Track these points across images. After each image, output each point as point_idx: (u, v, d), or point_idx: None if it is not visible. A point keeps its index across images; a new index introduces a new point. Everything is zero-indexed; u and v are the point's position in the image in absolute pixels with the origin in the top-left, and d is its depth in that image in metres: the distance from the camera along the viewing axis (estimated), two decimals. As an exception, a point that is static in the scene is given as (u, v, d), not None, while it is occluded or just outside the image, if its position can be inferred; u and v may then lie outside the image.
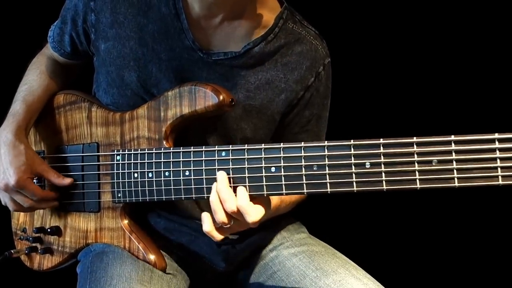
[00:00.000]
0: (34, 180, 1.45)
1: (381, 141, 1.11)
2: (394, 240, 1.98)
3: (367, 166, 1.11)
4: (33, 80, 1.51)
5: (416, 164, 1.08)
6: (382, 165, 1.10)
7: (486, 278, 1.92)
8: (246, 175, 1.21)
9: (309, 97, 1.42)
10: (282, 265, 1.43)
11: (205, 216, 1.20)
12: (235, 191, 1.20)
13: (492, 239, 1.92)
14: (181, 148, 1.29)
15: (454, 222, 1.92)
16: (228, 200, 1.17)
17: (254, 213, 1.17)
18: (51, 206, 1.46)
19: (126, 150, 1.37)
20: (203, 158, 1.26)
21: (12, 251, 1.53)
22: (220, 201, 1.18)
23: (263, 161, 1.20)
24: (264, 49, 1.37)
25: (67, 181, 1.42)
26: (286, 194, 1.19)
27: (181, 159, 1.28)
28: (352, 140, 1.13)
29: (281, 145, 1.19)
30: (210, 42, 1.36)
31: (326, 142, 1.15)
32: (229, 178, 1.22)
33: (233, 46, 1.36)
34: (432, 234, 1.95)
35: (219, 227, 1.20)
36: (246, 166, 1.21)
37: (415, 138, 1.08)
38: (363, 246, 1.74)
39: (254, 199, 1.20)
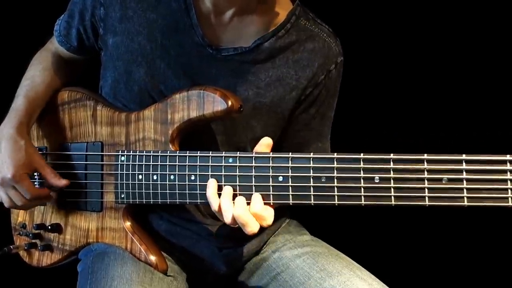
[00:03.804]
0: (36, 177, 1.44)
1: (392, 156, 1.11)
2: (396, 242, 1.98)
3: (376, 181, 1.12)
4: (36, 76, 1.49)
5: (426, 181, 1.08)
6: (392, 181, 1.10)
7: (488, 280, 1.93)
8: (253, 183, 1.21)
9: (317, 94, 1.40)
10: (286, 266, 1.43)
11: (211, 182, 1.22)
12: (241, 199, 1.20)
13: (495, 244, 1.93)
14: (187, 152, 1.28)
15: (458, 225, 1.93)
16: (227, 211, 1.19)
17: (253, 225, 1.18)
18: (45, 202, 1.46)
19: (131, 151, 1.35)
20: (210, 164, 1.25)
21: (11, 246, 1.51)
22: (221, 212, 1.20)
23: (270, 170, 1.20)
24: (275, 44, 1.35)
25: (62, 182, 1.41)
26: (293, 204, 1.19)
27: (187, 164, 1.27)
28: (362, 154, 1.13)
29: (290, 154, 1.19)
30: (220, 38, 1.35)
31: (335, 154, 1.15)
32: (235, 185, 1.22)
33: (243, 42, 1.35)
34: (435, 236, 1.96)
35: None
36: (253, 174, 1.21)
37: (425, 155, 1.09)
38: (365, 248, 1.74)
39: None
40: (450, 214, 1.88)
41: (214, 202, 1.21)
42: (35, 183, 1.44)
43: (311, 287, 1.35)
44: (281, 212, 1.54)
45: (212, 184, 1.23)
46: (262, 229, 1.43)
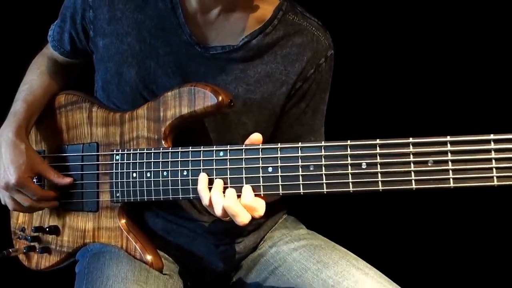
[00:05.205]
0: (34, 180, 1.47)
1: (378, 141, 1.11)
2: (392, 234, 1.98)
3: (363, 167, 1.12)
4: (34, 80, 1.52)
5: (412, 164, 1.08)
6: (378, 166, 1.11)
7: (484, 273, 1.92)
8: (244, 175, 1.21)
9: (307, 88, 1.40)
10: (283, 260, 1.43)
11: (202, 176, 1.23)
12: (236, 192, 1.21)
13: (487, 233, 1.92)
14: (180, 148, 1.29)
15: (451, 214, 1.92)
16: (217, 203, 1.19)
17: (244, 215, 1.18)
18: (51, 206, 1.47)
19: (126, 150, 1.37)
20: (201, 158, 1.26)
21: (10, 250, 1.53)
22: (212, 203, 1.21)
23: (260, 161, 1.21)
24: (262, 41, 1.36)
25: (67, 180, 1.43)
26: (283, 194, 1.20)
27: (179, 159, 1.29)
28: (348, 141, 1.14)
29: (278, 145, 1.19)
30: (208, 36, 1.36)
31: (323, 142, 1.16)
32: (226, 178, 1.23)
33: (231, 40, 1.36)
34: (431, 226, 1.95)
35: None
36: (243, 166, 1.22)
37: (411, 138, 1.09)
38: (361, 242, 1.72)
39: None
40: (445, 205, 1.88)
41: (205, 196, 1.22)
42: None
43: (308, 279, 1.35)
44: (278, 207, 1.55)
45: (202, 178, 1.23)
46: (258, 223, 1.45)
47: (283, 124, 1.43)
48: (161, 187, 1.31)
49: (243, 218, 1.17)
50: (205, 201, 1.22)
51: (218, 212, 1.20)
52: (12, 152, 1.40)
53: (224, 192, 1.21)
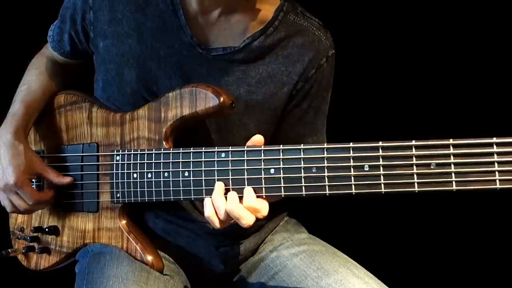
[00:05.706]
0: (33, 180, 1.46)
1: (380, 144, 1.12)
2: (394, 239, 1.98)
3: (366, 169, 1.12)
4: (32, 81, 1.51)
5: (414, 167, 1.09)
6: (381, 168, 1.11)
7: (485, 276, 1.93)
8: (245, 176, 1.21)
9: (309, 88, 1.40)
10: (283, 265, 1.43)
11: (207, 201, 1.22)
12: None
13: (489, 237, 1.93)
14: (181, 149, 1.29)
15: (454, 221, 1.93)
16: (220, 207, 1.20)
17: (248, 217, 1.18)
18: (46, 206, 1.47)
19: (126, 150, 1.37)
20: (203, 159, 1.26)
21: (9, 250, 1.53)
22: (214, 208, 1.21)
23: (262, 163, 1.21)
24: (264, 43, 1.36)
25: (67, 180, 1.43)
26: (285, 196, 1.20)
27: (181, 160, 1.29)
28: (351, 143, 1.14)
29: (281, 147, 1.19)
30: (209, 37, 1.36)
31: (325, 144, 1.16)
32: (227, 179, 1.22)
33: (232, 41, 1.36)
34: (432, 232, 1.96)
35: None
36: (245, 167, 1.22)
37: (413, 141, 1.09)
38: (363, 245, 1.74)
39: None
40: (447, 212, 1.88)
41: (214, 220, 1.22)
42: (33, 187, 1.46)
43: (308, 286, 1.36)
44: (279, 209, 1.55)
45: (208, 203, 1.23)
46: (259, 225, 1.46)
47: (285, 125, 1.43)
48: (162, 188, 1.31)
49: (247, 220, 1.17)
50: (217, 225, 1.22)
51: (221, 216, 1.20)
52: (11, 153, 1.40)
53: (225, 196, 1.21)
